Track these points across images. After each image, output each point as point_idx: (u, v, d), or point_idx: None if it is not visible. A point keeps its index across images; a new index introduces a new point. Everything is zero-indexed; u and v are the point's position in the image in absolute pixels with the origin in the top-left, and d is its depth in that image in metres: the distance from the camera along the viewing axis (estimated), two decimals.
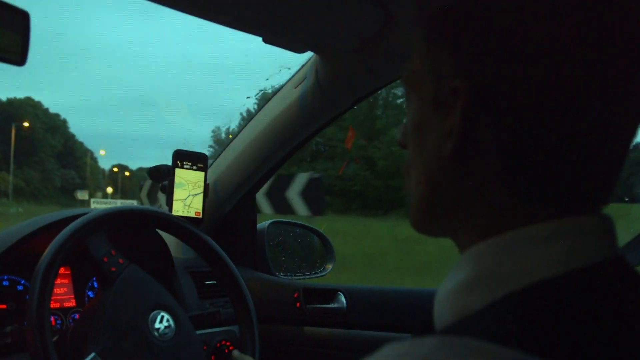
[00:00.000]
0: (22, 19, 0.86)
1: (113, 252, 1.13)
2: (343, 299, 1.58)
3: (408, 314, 1.52)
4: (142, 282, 1.16)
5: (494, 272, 0.46)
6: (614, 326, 0.41)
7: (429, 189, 0.53)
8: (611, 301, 0.43)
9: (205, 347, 1.33)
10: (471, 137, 0.46)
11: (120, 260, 1.13)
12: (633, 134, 0.47)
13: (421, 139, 0.53)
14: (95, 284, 1.36)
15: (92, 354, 0.98)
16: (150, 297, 1.14)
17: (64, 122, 61.22)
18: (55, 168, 56.55)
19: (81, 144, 64.55)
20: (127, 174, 68.92)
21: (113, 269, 1.11)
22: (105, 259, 1.11)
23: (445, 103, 0.48)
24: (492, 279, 0.46)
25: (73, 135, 63.21)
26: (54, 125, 58.60)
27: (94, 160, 67.34)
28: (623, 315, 0.42)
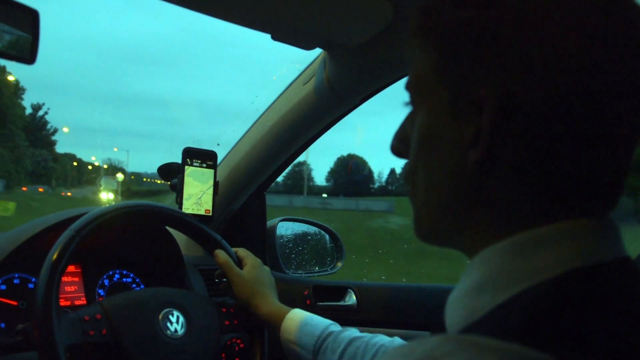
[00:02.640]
0: (32, 17, 0.86)
1: (86, 318, 1.03)
2: (353, 296, 1.58)
3: (419, 310, 1.51)
4: (130, 298, 1.13)
5: (502, 274, 0.47)
6: (617, 324, 0.42)
7: (443, 198, 0.53)
8: (615, 299, 0.44)
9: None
10: (498, 146, 0.47)
11: (98, 316, 1.05)
12: (632, 153, 0.49)
13: (434, 147, 0.53)
14: (107, 282, 1.37)
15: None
16: (159, 296, 1.14)
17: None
18: (24, 146, 47.72)
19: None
20: (75, 164, 63.22)
21: (104, 332, 1.03)
22: (91, 333, 1.02)
23: (463, 112, 0.49)
24: (501, 280, 0.47)
25: (42, 104, 54.22)
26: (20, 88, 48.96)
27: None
28: (627, 314, 0.43)
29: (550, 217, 0.47)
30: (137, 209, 1.17)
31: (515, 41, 0.46)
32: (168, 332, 1.09)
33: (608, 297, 0.43)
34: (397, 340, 1.02)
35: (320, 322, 1.10)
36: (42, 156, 50.27)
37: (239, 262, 1.25)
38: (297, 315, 1.11)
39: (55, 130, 55.03)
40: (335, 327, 1.09)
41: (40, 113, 54.22)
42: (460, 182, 0.51)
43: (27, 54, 0.86)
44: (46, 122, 54.06)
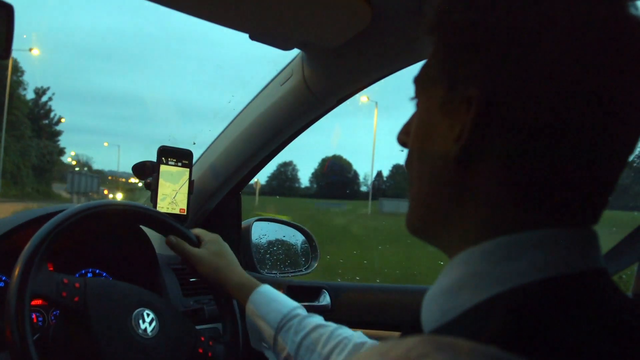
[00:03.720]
0: (6, 12, 0.85)
1: (65, 280, 1.05)
2: (327, 297, 1.58)
3: (392, 311, 1.52)
4: (111, 286, 1.14)
5: (482, 274, 0.48)
6: (589, 332, 0.42)
7: (430, 189, 0.54)
8: (591, 309, 0.44)
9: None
10: (478, 144, 0.49)
11: (77, 285, 1.06)
12: (628, 156, 0.50)
13: (426, 139, 0.55)
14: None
15: None
16: (132, 296, 1.13)
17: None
18: (29, 136, 39.58)
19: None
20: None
21: (76, 299, 1.04)
22: (63, 294, 1.03)
23: (455, 108, 0.50)
24: (480, 281, 0.48)
25: (46, 89, 44.37)
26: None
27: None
28: (602, 323, 0.43)
29: (532, 224, 0.48)
30: (111, 207, 1.16)
31: (508, 45, 0.47)
32: (139, 330, 1.08)
33: (584, 306, 0.44)
34: (359, 335, 1.02)
35: (288, 302, 1.10)
36: (48, 149, 42.90)
37: (198, 242, 1.23)
38: (267, 290, 1.12)
39: (60, 120, 46.06)
40: (302, 310, 1.09)
41: (44, 99, 44.59)
42: (443, 177, 0.52)
43: (2, 49, 0.84)
44: (50, 110, 44.70)
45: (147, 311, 1.11)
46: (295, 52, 1.31)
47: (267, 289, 1.13)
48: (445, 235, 0.55)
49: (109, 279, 1.37)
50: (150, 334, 1.10)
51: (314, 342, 1.01)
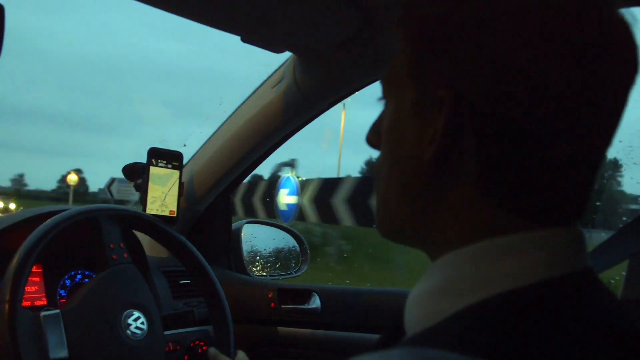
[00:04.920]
0: None
1: (122, 244, 1.16)
2: (317, 300, 1.58)
3: (382, 314, 1.52)
4: (131, 281, 1.16)
5: (464, 280, 0.47)
6: (577, 337, 0.41)
7: (401, 193, 0.53)
8: (576, 312, 0.44)
9: (178, 347, 1.32)
10: (451, 146, 0.47)
11: (125, 255, 1.16)
12: (603, 155, 0.49)
13: (397, 142, 0.53)
14: (68, 282, 1.34)
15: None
16: (123, 296, 1.13)
17: None
18: None
19: None
20: None
21: (114, 257, 1.13)
22: (111, 245, 1.14)
23: (426, 110, 0.49)
24: (462, 287, 0.47)
25: None
26: None
27: None
28: (587, 327, 0.43)
29: (512, 227, 0.47)
30: (102, 212, 1.16)
31: (478, 45, 0.45)
32: (129, 332, 1.08)
33: (571, 310, 0.43)
34: None
35: None
36: None
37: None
38: None
39: None
40: None
41: None
42: (415, 180, 0.51)
43: None
44: None
45: (137, 313, 1.11)
46: (287, 55, 1.31)
47: None
48: (421, 237, 0.53)
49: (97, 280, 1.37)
50: (140, 335, 1.09)
51: None
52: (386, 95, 0.57)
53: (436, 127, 0.47)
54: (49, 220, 1.05)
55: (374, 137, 0.60)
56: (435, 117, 0.48)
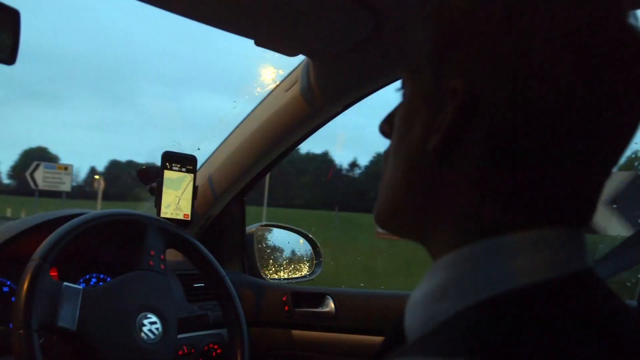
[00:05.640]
0: (12, 17, 0.85)
1: (162, 257, 1.20)
2: (331, 303, 1.58)
3: (396, 318, 1.51)
4: (157, 289, 1.19)
5: (464, 280, 0.46)
6: (578, 338, 0.41)
7: (403, 180, 0.53)
8: (578, 313, 0.43)
9: (193, 350, 1.32)
10: (458, 138, 0.47)
11: (162, 266, 1.19)
12: (617, 158, 0.48)
13: (407, 129, 0.53)
14: (83, 286, 1.35)
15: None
16: (149, 299, 1.13)
17: None
18: None
19: None
20: None
21: (151, 263, 1.17)
22: (152, 253, 1.18)
23: (439, 99, 0.49)
24: (463, 287, 0.46)
25: None
26: None
27: None
28: (589, 327, 0.42)
29: (517, 226, 0.46)
30: (118, 217, 1.16)
31: (496, 40, 0.45)
32: (143, 334, 1.08)
33: (571, 311, 0.43)
34: None
35: None
36: None
37: None
38: None
39: None
40: None
41: None
42: (417, 169, 0.51)
43: (7, 54, 0.85)
44: None
45: (151, 315, 1.11)
46: (300, 58, 1.31)
47: None
48: (420, 232, 0.53)
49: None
50: (153, 338, 1.10)
51: None
52: (405, 85, 0.56)
53: (445, 116, 0.47)
54: (60, 229, 1.05)
55: (386, 126, 0.60)
56: (445, 106, 0.47)
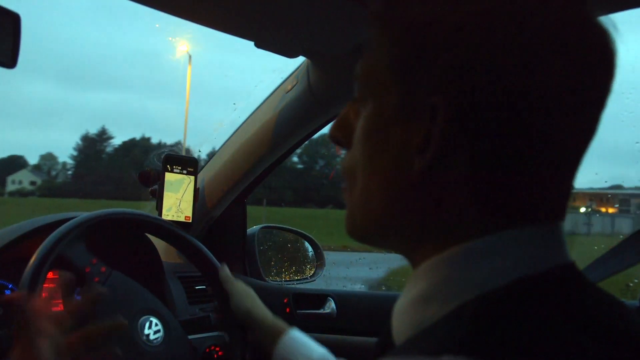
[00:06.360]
0: (12, 21, 0.86)
1: (94, 261, 1.11)
2: (333, 304, 1.58)
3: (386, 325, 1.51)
4: (128, 288, 1.15)
5: (448, 283, 0.47)
6: (561, 329, 0.41)
7: (384, 201, 0.52)
8: (559, 305, 0.44)
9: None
10: (444, 153, 0.47)
11: (103, 269, 1.12)
12: (581, 159, 0.50)
13: (378, 148, 0.51)
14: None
15: None
16: (138, 303, 1.13)
17: None
18: None
19: None
20: None
21: (96, 279, 1.10)
22: (87, 270, 1.09)
23: (413, 116, 0.48)
24: (447, 291, 0.47)
25: None
26: None
27: None
28: (570, 318, 0.43)
29: (495, 227, 0.47)
30: (118, 216, 1.16)
31: (470, 52, 0.45)
32: (145, 338, 1.08)
33: (553, 304, 0.43)
34: None
35: (316, 349, 1.09)
36: None
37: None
38: (297, 335, 1.10)
39: None
40: (331, 357, 1.08)
41: None
42: (402, 186, 0.49)
43: (8, 58, 0.85)
44: None
45: (152, 319, 1.11)
46: (301, 59, 1.31)
47: (296, 333, 1.11)
48: (398, 241, 0.53)
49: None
50: (156, 341, 1.10)
51: None
52: (363, 94, 0.55)
53: (428, 135, 0.46)
54: (62, 227, 1.05)
55: (339, 133, 0.59)
56: (424, 124, 0.47)
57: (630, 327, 0.45)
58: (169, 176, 1.32)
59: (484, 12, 0.45)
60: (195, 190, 1.36)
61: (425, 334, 0.45)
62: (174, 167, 1.33)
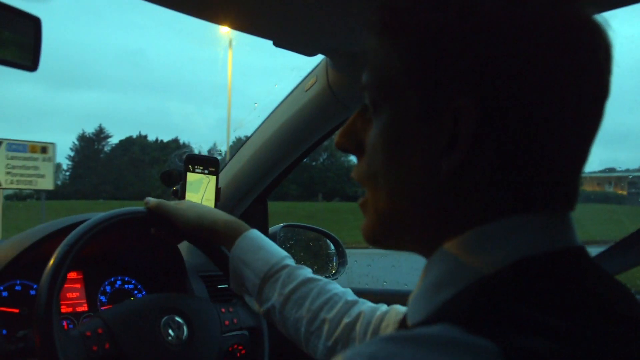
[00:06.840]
0: (33, 24, 0.87)
1: (88, 333, 1.03)
2: None
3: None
4: (132, 305, 1.15)
5: (459, 268, 0.48)
6: (564, 310, 0.42)
7: (412, 204, 0.52)
8: (561, 283, 0.45)
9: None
10: (472, 152, 0.47)
11: (99, 330, 1.05)
12: (587, 152, 0.51)
13: (400, 153, 0.52)
14: (108, 288, 1.37)
15: None
16: (161, 301, 1.14)
17: None
18: None
19: None
20: None
21: (107, 345, 1.03)
22: (94, 348, 1.02)
23: (437, 118, 0.48)
24: (458, 275, 0.48)
25: None
26: None
27: None
28: (571, 296, 0.44)
29: (505, 212, 0.48)
30: (137, 215, 1.17)
31: (494, 52, 0.46)
32: (169, 338, 1.09)
33: (551, 283, 0.44)
34: (350, 293, 0.96)
35: (276, 251, 1.02)
36: None
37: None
38: (256, 236, 1.03)
39: None
40: (291, 261, 1.01)
41: None
42: (431, 188, 0.50)
43: (29, 61, 0.86)
44: None
45: (174, 317, 1.12)
46: (319, 58, 1.31)
47: (256, 234, 1.03)
48: (414, 240, 0.54)
49: (128, 297, 1.39)
50: (181, 339, 1.10)
51: (302, 297, 0.94)
52: (376, 102, 0.54)
53: (454, 135, 0.47)
54: (80, 227, 1.06)
55: (347, 141, 0.59)
56: (447, 126, 0.47)
57: (632, 309, 0.46)
58: (190, 176, 1.33)
59: (497, 13, 0.46)
60: (217, 189, 1.37)
61: (433, 315, 0.47)
62: (196, 167, 1.34)
